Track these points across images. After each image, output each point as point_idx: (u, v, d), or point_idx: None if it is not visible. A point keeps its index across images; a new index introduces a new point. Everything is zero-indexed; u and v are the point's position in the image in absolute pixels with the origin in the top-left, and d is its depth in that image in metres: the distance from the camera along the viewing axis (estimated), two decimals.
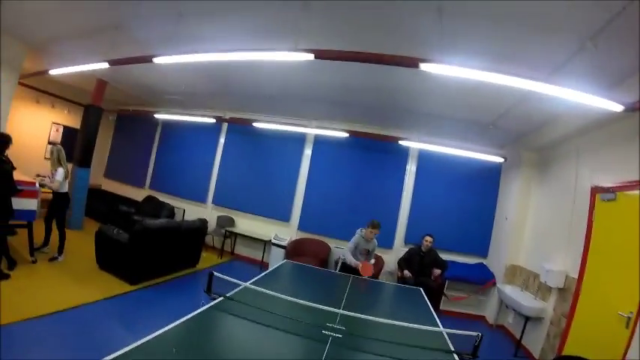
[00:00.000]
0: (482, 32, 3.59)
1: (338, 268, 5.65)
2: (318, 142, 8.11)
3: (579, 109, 4.12)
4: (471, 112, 5.78)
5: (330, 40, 4.05)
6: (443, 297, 6.60)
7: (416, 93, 5.50)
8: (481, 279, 6.75)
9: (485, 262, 7.21)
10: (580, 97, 3.42)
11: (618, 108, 3.47)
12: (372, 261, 5.48)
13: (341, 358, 2.28)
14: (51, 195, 5.70)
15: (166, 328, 2.15)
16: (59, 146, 5.74)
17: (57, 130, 10.28)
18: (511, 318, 6.09)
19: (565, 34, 3.30)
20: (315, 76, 5.64)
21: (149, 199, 9.20)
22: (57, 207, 5.66)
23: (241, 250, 8.52)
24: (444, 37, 3.53)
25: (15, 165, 4.73)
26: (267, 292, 2.80)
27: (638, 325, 3.34)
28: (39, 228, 5.54)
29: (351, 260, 5.31)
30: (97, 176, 10.36)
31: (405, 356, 2.40)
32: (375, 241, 5.51)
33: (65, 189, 5.69)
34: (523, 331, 5.36)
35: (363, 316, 2.68)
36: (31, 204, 5.15)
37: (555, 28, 3.28)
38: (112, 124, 11.10)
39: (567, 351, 4.38)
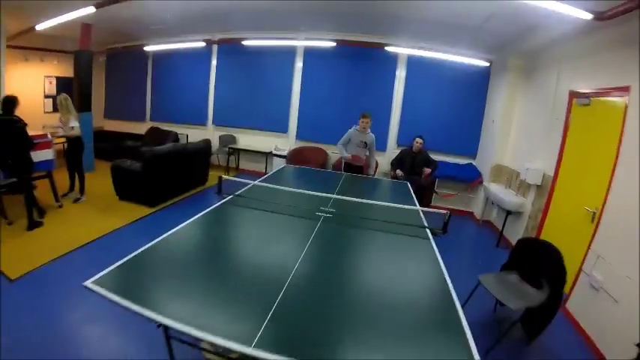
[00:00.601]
0: None
1: (342, 167, 6.00)
2: (309, 53, 8.29)
3: (559, 17, 4.26)
4: (458, 16, 5.77)
5: None
6: (434, 193, 7.16)
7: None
8: (469, 178, 7.28)
9: (474, 162, 7.68)
10: (554, 5, 3.63)
11: (588, 16, 3.69)
12: (367, 153, 5.84)
13: (328, 230, 2.82)
14: (64, 144, 6.08)
15: (186, 223, 2.76)
16: (65, 94, 5.99)
17: (50, 83, 10.30)
18: (495, 213, 6.68)
19: None
20: None
21: (153, 130, 9.55)
22: (73, 152, 6.03)
23: (245, 165, 9.11)
24: None
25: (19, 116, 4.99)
26: (270, 185, 3.32)
27: (602, 219, 3.70)
28: (59, 175, 5.95)
29: (342, 152, 5.72)
30: (98, 118, 10.46)
31: (381, 228, 2.95)
32: (372, 134, 5.75)
33: (78, 133, 6.00)
34: (504, 224, 5.91)
35: (349, 198, 3.20)
36: (47, 154, 5.57)
37: None
38: (103, 65, 11.05)
39: None
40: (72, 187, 6.24)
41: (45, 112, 9.98)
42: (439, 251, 2.57)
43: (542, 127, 5.54)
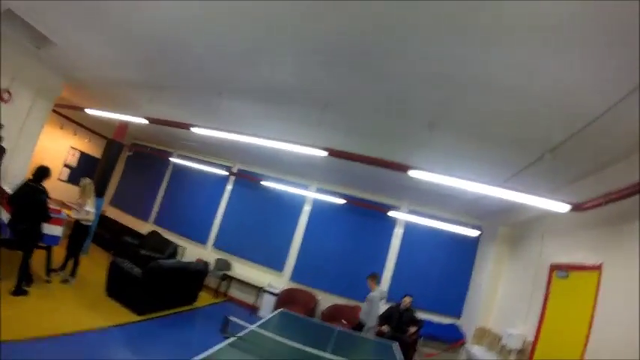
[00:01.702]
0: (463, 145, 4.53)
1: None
2: (318, 201, 8.82)
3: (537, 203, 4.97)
4: (454, 189, 6.46)
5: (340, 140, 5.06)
6: (415, 353, 7.12)
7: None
8: (452, 338, 7.34)
9: (458, 322, 7.79)
10: (531, 200, 4.10)
11: (565, 209, 4.06)
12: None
13: None
14: (74, 223, 6.20)
15: None
16: (90, 180, 6.37)
17: (73, 155, 10.86)
18: None
19: (529, 146, 4.10)
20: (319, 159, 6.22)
21: (154, 235, 9.68)
22: (78, 236, 6.17)
23: (235, 292, 8.97)
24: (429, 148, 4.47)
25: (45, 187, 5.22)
26: (272, 335, 3.43)
27: None
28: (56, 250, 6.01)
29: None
30: (104, 204, 10.80)
31: None
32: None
33: (90, 222, 6.26)
34: None
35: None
36: (56, 230, 5.71)
37: (521, 142, 4.09)
38: (124, 157, 11.68)
39: None
40: (64, 266, 6.22)
41: (59, 180, 10.22)
42: None
43: (525, 294, 5.79)
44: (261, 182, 8.81)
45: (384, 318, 6.57)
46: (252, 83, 4.61)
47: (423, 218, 7.75)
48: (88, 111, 7.63)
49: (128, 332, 5.12)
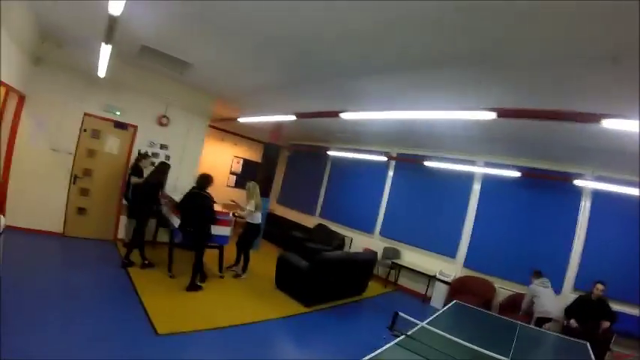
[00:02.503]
0: None
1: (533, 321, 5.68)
2: (488, 178, 7.95)
3: None
4: None
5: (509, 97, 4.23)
6: (608, 352, 6.01)
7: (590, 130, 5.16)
8: None
9: None
10: None
11: None
12: None
13: None
14: (245, 222, 6.67)
15: None
16: (254, 182, 6.76)
17: (238, 163, 12.28)
18: None
19: None
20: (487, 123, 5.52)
21: (320, 227, 9.98)
22: (248, 235, 6.61)
23: (405, 282, 8.66)
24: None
25: (210, 193, 5.72)
26: (443, 334, 3.15)
27: None
28: (228, 248, 6.46)
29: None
30: (270, 202, 11.46)
31: None
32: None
33: (257, 220, 6.62)
34: None
35: None
36: (225, 231, 6.09)
37: None
38: (285, 157, 12.54)
39: None
40: (237, 262, 6.71)
41: (227, 186, 11.80)
42: None
43: None
44: (424, 163, 8.27)
45: (572, 310, 5.69)
46: (389, 58, 4.15)
47: (616, 185, 6.27)
48: (241, 120, 8.40)
49: (296, 323, 5.23)
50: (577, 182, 6.70)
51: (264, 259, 7.12)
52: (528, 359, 3.23)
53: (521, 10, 2.69)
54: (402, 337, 3.11)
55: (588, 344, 4.46)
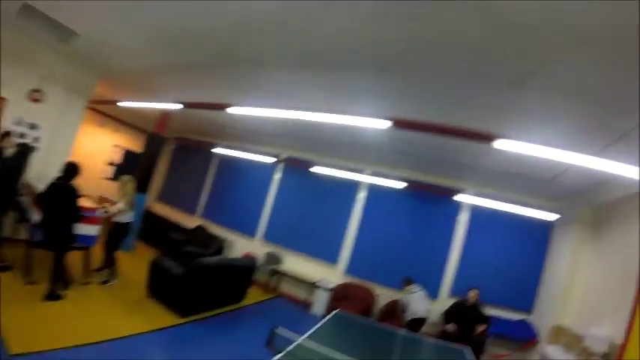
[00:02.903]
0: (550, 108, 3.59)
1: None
2: (372, 189, 8.12)
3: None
4: (531, 169, 5.64)
5: (405, 107, 4.16)
6: (484, 354, 6.42)
7: (477, 150, 5.36)
8: (524, 337, 6.51)
9: (529, 318, 6.95)
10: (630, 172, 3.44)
11: None
12: None
13: None
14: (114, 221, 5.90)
15: None
16: (129, 177, 6.09)
17: (117, 152, 10.95)
18: None
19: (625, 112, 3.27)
20: (379, 131, 5.51)
21: (200, 229, 9.37)
22: (116, 235, 5.87)
23: (286, 288, 8.48)
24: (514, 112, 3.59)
25: (77, 185, 4.93)
26: (323, 351, 2.86)
27: None
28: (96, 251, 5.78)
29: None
30: (149, 199, 10.64)
31: None
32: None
33: (128, 219, 5.92)
34: None
35: None
36: (92, 230, 5.41)
37: (617, 107, 3.26)
38: (170, 151, 11.57)
39: None
40: (105, 266, 5.92)
41: (103, 178, 10.55)
42: None
43: (613, 287, 5.04)
44: (311, 169, 8.18)
45: (449, 315, 5.95)
46: (287, 49, 3.92)
47: (491, 201, 6.89)
48: (122, 104, 7.43)
49: (169, 336, 4.71)
50: (457, 197, 7.20)
51: (139, 262, 6.39)
52: None
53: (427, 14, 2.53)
54: (281, 355, 2.74)
55: (470, 349, 4.67)
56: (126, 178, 6.05)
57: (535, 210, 6.70)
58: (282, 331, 2.92)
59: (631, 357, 4.14)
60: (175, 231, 9.33)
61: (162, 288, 5.66)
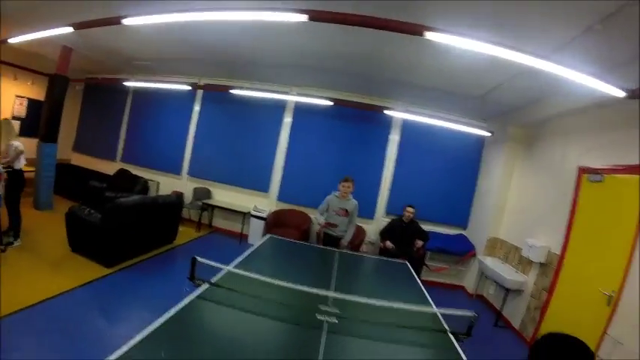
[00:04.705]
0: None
1: (322, 239, 5.37)
2: (299, 110, 7.81)
3: (572, 91, 4.09)
4: (461, 85, 5.59)
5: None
6: (424, 267, 6.62)
7: (405, 63, 5.21)
8: (461, 250, 6.86)
9: (465, 233, 7.33)
10: (581, 78, 3.33)
11: (620, 94, 3.44)
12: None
13: (339, 344, 2.16)
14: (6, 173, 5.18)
15: (150, 329, 1.94)
16: (6, 119, 5.50)
17: (21, 104, 9.59)
18: (493, 290, 6.20)
19: (575, 13, 3.07)
20: (300, 41, 5.14)
21: (121, 173, 8.76)
22: (10, 186, 5.20)
23: (219, 222, 8.27)
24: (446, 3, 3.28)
25: None
26: (254, 276, 2.63)
27: (620, 301, 3.48)
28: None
29: (319, 218, 5.26)
30: (66, 150, 9.82)
31: (402, 337, 2.37)
32: (354, 201, 5.20)
33: (18, 166, 5.23)
34: (504, 303, 5.51)
35: (358, 298, 2.54)
36: None
37: (565, 7, 3.04)
38: (79, 94, 10.37)
39: (547, 323, 4.58)
40: (10, 227, 5.31)
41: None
42: None
43: (545, 200, 5.31)
44: (232, 95, 7.64)
45: (387, 232, 5.99)
46: None
47: (422, 117, 6.86)
48: (12, 40, 6.33)
49: (97, 290, 4.34)
50: (389, 113, 7.10)
51: (60, 219, 5.62)
52: (352, 284, 2.91)
53: None
54: (207, 286, 2.46)
55: (407, 262, 4.69)
56: (4, 120, 5.51)
57: (467, 127, 6.77)
58: (204, 260, 2.61)
59: (571, 265, 4.44)
60: (96, 179, 8.63)
61: (84, 239, 5.18)
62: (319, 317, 2.39)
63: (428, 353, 2.35)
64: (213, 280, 2.69)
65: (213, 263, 2.65)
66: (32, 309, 3.61)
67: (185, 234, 7.12)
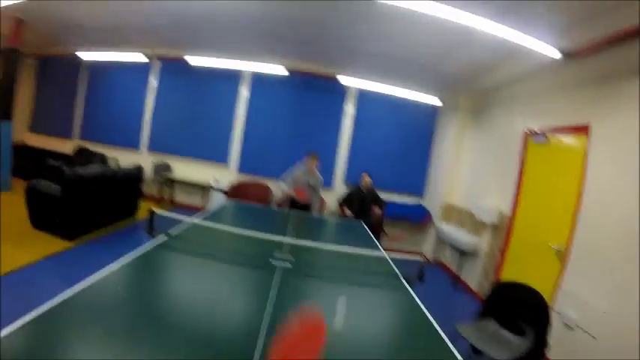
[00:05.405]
0: None
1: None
2: (256, 80, 7.86)
3: (517, 57, 4.34)
4: (412, 52, 5.71)
5: None
6: (382, 234, 6.86)
7: (359, 30, 5.31)
8: (418, 217, 7.17)
9: (421, 201, 7.61)
10: (522, 39, 3.53)
11: (556, 55, 3.66)
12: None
13: (290, 287, 2.26)
14: None
15: (109, 270, 2.07)
16: None
17: None
18: (448, 253, 6.52)
19: None
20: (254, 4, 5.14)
21: (81, 151, 8.58)
22: None
23: (181, 197, 8.31)
24: None
25: None
26: (211, 224, 2.73)
27: (570, 255, 3.65)
28: None
29: (283, 187, 5.38)
30: (22, 131, 9.51)
31: (356, 283, 2.51)
32: (320, 176, 5.47)
33: None
34: (460, 266, 5.81)
35: (308, 243, 2.69)
36: None
37: None
38: (33, 69, 9.87)
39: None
40: None
41: None
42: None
43: (495, 165, 5.60)
44: (188, 64, 7.63)
45: (345, 201, 6.13)
46: None
47: (376, 84, 7.05)
48: None
49: (58, 263, 4.33)
50: (344, 81, 7.23)
51: (19, 200, 5.51)
52: (307, 236, 3.06)
53: None
54: (165, 238, 2.55)
55: (362, 221, 4.96)
56: None
57: (421, 95, 7.01)
58: (164, 213, 2.70)
59: (522, 224, 4.70)
60: (55, 159, 8.30)
61: (44, 214, 5.14)
62: (273, 262, 2.54)
63: (381, 294, 2.50)
64: (173, 233, 2.77)
65: (172, 214, 2.75)
66: None
67: (146, 209, 6.99)
